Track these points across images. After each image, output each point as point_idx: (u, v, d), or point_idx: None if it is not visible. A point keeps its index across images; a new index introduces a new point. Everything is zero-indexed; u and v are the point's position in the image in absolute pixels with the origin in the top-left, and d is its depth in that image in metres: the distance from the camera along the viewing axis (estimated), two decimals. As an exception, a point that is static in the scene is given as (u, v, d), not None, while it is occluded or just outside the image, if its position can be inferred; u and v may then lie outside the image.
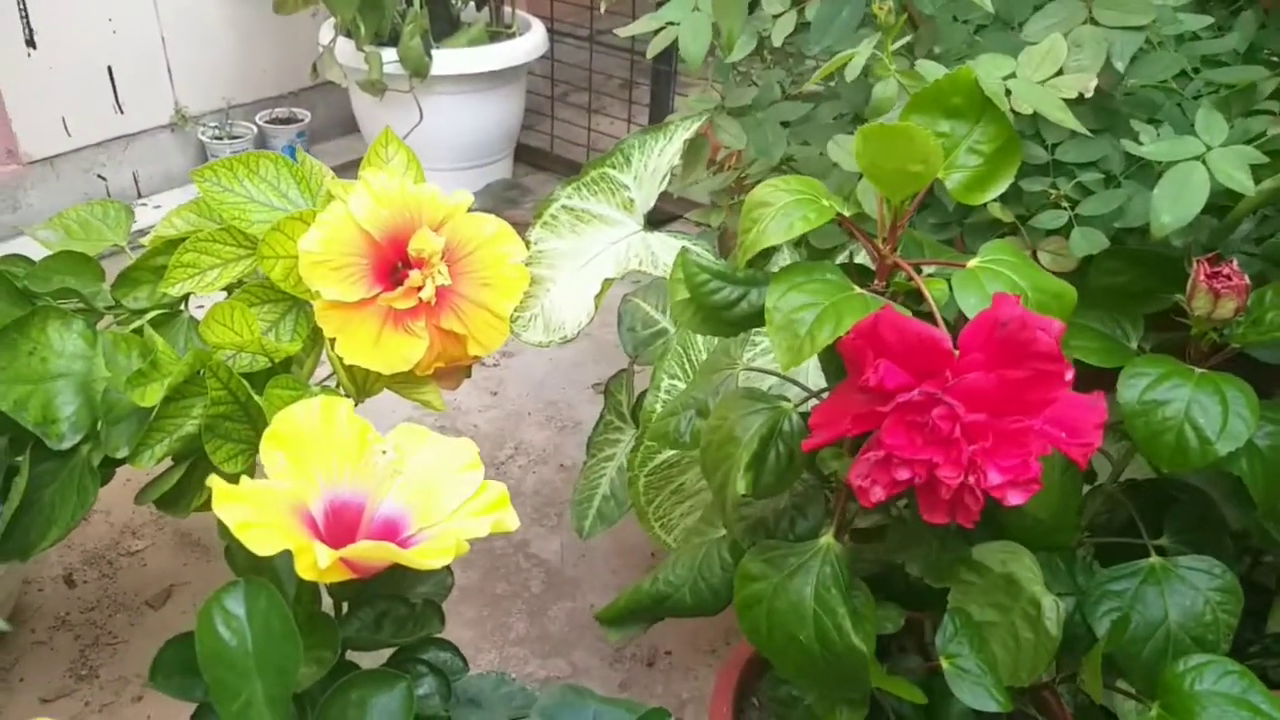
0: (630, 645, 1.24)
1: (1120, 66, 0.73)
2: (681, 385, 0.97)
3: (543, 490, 1.49)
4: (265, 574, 0.60)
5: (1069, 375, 0.56)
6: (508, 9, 2.19)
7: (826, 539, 0.72)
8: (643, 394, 1.08)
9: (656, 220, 1.01)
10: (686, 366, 0.97)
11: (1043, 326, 0.55)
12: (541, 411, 1.66)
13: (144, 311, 0.98)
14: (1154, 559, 0.77)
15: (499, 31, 2.16)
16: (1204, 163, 0.68)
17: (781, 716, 0.84)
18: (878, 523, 0.83)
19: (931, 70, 0.70)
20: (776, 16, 0.84)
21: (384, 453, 0.62)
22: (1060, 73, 0.70)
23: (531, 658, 1.23)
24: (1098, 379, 0.68)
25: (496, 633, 1.26)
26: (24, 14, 1.86)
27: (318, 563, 0.55)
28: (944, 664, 0.73)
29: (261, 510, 0.57)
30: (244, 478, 0.60)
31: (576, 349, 1.80)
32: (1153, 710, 0.69)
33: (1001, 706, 0.71)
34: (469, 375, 1.06)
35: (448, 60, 2.00)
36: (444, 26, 2.09)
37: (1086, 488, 0.84)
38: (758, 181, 1.09)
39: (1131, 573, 0.77)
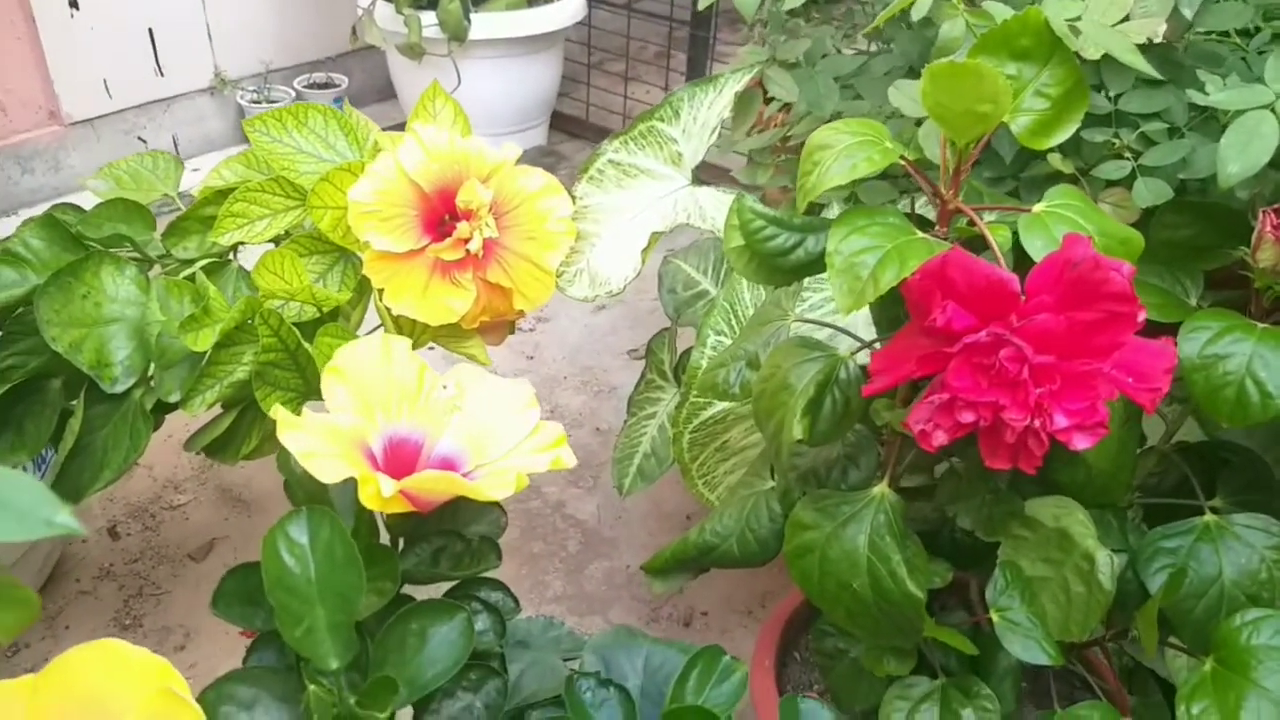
0: (666, 606, 1.25)
1: (1188, 14, 0.71)
2: (728, 341, 0.97)
3: (579, 453, 1.49)
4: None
5: (1141, 317, 0.55)
6: (546, -26, 2.18)
7: (880, 488, 0.71)
8: (685, 353, 1.08)
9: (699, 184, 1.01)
10: (733, 322, 0.97)
11: (1115, 267, 0.54)
12: (577, 376, 1.66)
13: (193, 261, 0.98)
14: (1209, 517, 0.76)
15: (537, -3, 2.15)
16: (1274, 111, 0.67)
17: (826, 669, 0.84)
18: (923, 483, 0.83)
19: (999, 10, 0.69)
20: (834, -35, 0.83)
21: (444, 388, 0.62)
22: (1127, 18, 0.68)
23: (569, 615, 1.23)
24: (1156, 335, 0.68)
25: (534, 591, 1.27)
26: (67, -26, 1.87)
27: (381, 492, 0.56)
28: (994, 616, 0.73)
29: (324, 442, 0.58)
30: (306, 410, 0.60)
31: (611, 315, 1.80)
32: (1207, 665, 0.69)
33: (1052, 660, 0.71)
34: (513, 331, 1.06)
35: (486, 24, 2.00)
36: (483, -9, 2.09)
37: (1138, 450, 0.84)
38: (804, 139, 1.08)
39: (1186, 530, 0.76)
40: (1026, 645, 0.72)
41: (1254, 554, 0.74)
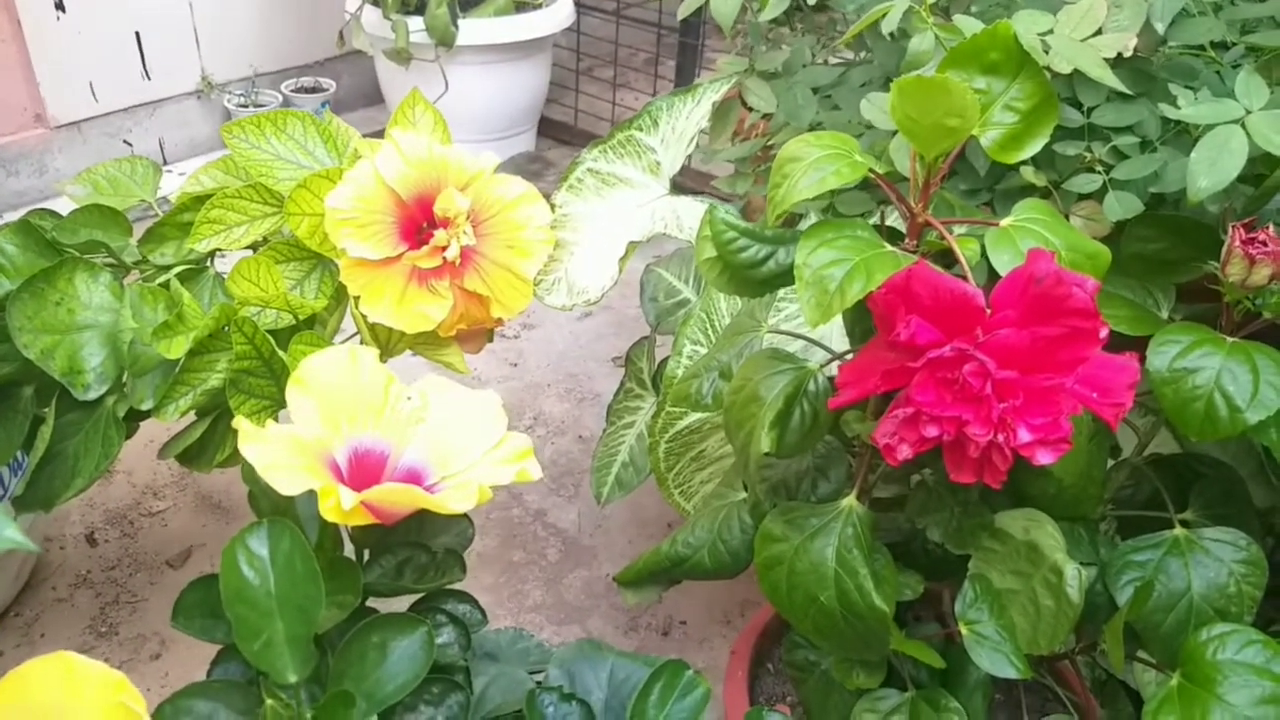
0: (645, 614, 1.25)
1: (1160, 28, 0.71)
2: (704, 350, 0.97)
3: (560, 460, 1.49)
4: (288, 518, 0.60)
5: (1103, 333, 0.55)
6: (535, -20, 2.18)
7: (849, 501, 0.71)
8: (664, 361, 1.08)
9: (679, 193, 1.01)
10: (709, 331, 0.97)
11: (1078, 283, 0.54)
12: (561, 383, 1.66)
13: (170, 267, 0.98)
14: (1178, 530, 0.76)
15: (525, 2, 2.15)
16: (1243, 126, 0.67)
17: (798, 682, 0.83)
18: (897, 493, 0.83)
19: (969, 25, 0.69)
20: (810, -23, 0.83)
21: (408, 399, 0.62)
22: (1099, 32, 0.68)
23: (547, 624, 1.23)
24: (1127, 348, 0.68)
25: (513, 599, 1.26)
26: (53, -24, 1.87)
27: (342, 504, 0.55)
28: (963, 630, 0.73)
29: (287, 454, 0.57)
30: (270, 422, 0.60)
31: (596, 322, 1.79)
32: (1174, 679, 0.69)
33: (1020, 673, 0.71)
34: (490, 339, 1.06)
35: (474, 30, 1.99)
36: (471, -4, 2.09)
37: (1110, 462, 0.84)
38: (785, 149, 1.08)
39: (1155, 544, 0.76)
40: (995, 659, 0.72)
41: (1223, 568, 0.74)
